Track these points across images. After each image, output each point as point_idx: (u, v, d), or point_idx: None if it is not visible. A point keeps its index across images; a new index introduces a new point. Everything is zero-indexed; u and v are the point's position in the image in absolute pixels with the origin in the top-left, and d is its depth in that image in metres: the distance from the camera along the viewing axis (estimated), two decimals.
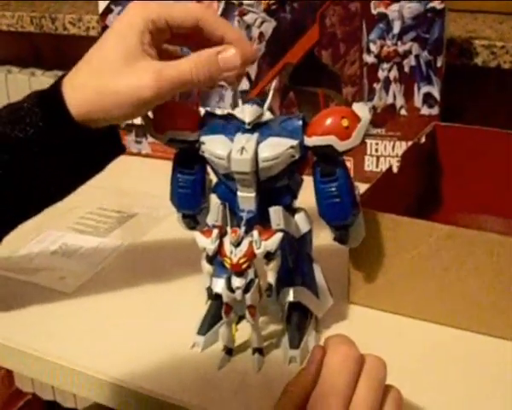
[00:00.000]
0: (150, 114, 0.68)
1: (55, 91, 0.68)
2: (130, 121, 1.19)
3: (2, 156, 0.67)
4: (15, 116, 0.68)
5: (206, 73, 0.65)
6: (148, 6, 0.67)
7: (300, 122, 0.65)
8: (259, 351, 0.69)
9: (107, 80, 0.65)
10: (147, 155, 1.21)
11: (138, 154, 1.21)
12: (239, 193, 0.66)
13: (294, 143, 0.64)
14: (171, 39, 0.69)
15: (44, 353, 0.74)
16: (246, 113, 0.64)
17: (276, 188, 0.66)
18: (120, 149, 0.74)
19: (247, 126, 0.64)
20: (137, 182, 1.12)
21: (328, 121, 0.64)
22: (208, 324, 0.73)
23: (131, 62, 0.65)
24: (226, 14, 1.07)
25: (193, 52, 0.68)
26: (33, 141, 0.67)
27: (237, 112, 0.65)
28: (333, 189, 0.66)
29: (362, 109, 0.64)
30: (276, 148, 0.64)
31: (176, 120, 0.67)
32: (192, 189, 0.71)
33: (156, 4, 0.68)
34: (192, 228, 0.74)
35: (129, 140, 1.20)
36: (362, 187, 0.74)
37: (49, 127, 0.67)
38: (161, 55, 0.67)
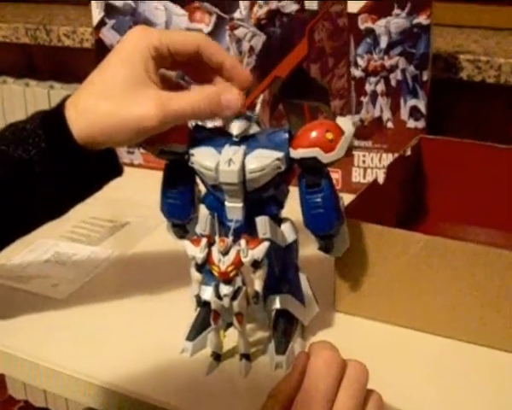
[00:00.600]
0: None
1: (58, 114, 0.68)
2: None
3: (5, 174, 0.68)
4: (19, 137, 0.68)
5: (207, 110, 0.67)
6: (150, 32, 0.69)
7: (286, 135, 0.67)
8: (246, 357, 0.71)
9: (111, 106, 0.66)
10: (139, 166, 1.22)
11: (131, 164, 1.23)
12: (227, 203, 0.68)
13: (280, 155, 0.66)
14: (170, 65, 0.71)
15: (36, 357, 0.75)
16: (233, 127, 0.67)
17: (262, 198, 0.68)
18: (118, 171, 0.75)
19: (235, 139, 0.67)
20: (129, 192, 1.13)
21: (313, 134, 0.66)
22: (197, 330, 0.74)
23: (137, 89, 0.66)
24: (217, 28, 1.10)
25: (190, 77, 0.69)
26: (35, 161, 0.68)
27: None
28: (318, 199, 0.68)
29: (345, 123, 0.66)
30: (262, 160, 0.66)
31: (166, 133, 0.68)
32: (181, 199, 0.73)
33: (157, 31, 0.69)
34: (181, 237, 0.76)
35: (121, 150, 1.22)
36: (349, 198, 0.76)
37: (51, 149, 0.68)
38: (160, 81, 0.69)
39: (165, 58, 0.69)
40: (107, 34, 1.17)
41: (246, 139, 0.67)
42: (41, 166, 0.68)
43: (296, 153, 0.66)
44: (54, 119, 0.69)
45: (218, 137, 0.68)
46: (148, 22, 1.13)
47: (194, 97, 0.67)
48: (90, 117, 0.67)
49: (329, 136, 0.65)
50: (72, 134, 0.67)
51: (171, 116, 0.66)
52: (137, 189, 1.14)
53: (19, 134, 0.69)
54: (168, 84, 0.71)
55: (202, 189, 0.73)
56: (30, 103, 1.58)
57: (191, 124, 0.71)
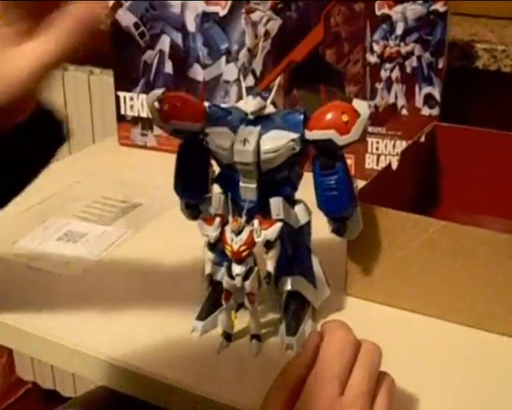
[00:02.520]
0: (157, 104, 0.70)
1: None
2: (136, 114, 1.21)
3: None
4: None
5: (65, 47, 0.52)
6: None
7: (302, 116, 0.67)
8: (257, 337, 0.71)
9: None
10: (152, 148, 1.23)
11: (144, 146, 1.23)
12: (241, 183, 0.68)
13: (295, 136, 0.66)
14: None
15: (48, 334, 0.76)
16: (248, 104, 0.67)
17: (276, 179, 0.68)
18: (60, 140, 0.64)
19: (250, 117, 0.67)
20: (142, 173, 1.14)
21: (329, 116, 0.66)
22: (207, 310, 0.75)
23: None
24: (233, 11, 1.10)
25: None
26: None
27: (240, 104, 0.68)
28: (332, 181, 0.68)
29: (361, 106, 0.66)
30: (277, 140, 0.66)
31: (181, 111, 0.69)
32: (195, 179, 0.73)
33: None
34: (194, 218, 0.76)
35: (135, 132, 1.23)
36: (362, 184, 0.76)
37: None
38: None
39: None
40: (123, 16, 1.17)
41: (261, 120, 0.67)
42: None
43: (311, 134, 0.66)
44: None
45: (233, 117, 0.68)
46: (163, 4, 1.13)
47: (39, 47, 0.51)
48: None
49: (345, 118, 0.65)
50: None
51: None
52: (150, 171, 1.15)
53: None
54: None
55: (216, 169, 0.73)
56: None
57: (206, 104, 0.71)
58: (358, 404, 0.55)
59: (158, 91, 0.70)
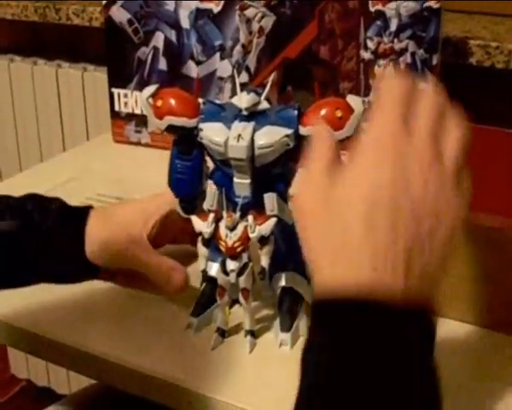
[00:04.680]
0: (151, 100, 0.70)
1: (78, 237, 0.74)
2: (130, 111, 1.21)
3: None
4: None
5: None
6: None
7: (296, 112, 0.67)
8: (252, 333, 0.71)
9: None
10: (146, 145, 1.22)
11: (138, 143, 1.23)
12: (235, 179, 0.68)
13: (289, 132, 0.66)
14: None
15: (38, 329, 0.76)
16: (243, 100, 0.67)
17: (270, 175, 0.68)
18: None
19: (244, 112, 0.67)
20: (136, 170, 1.14)
21: (323, 112, 0.66)
22: (202, 306, 0.75)
23: None
24: (227, 8, 1.10)
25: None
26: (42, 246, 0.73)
27: (235, 100, 0.68)
28: None
29: (355, 101, 0.66)
30: (271, 136, 0.66)
31: (175, 107, 0.69)
32: (189, 175, 0.73)
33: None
34: (189, 213, 0.76)
35: (129, 129, 1.22)
36: None
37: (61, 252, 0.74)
38: None
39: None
40: (117, 13, 1.16)
41: (255, 115, 0.67)
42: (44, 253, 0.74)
43: (305, 130, 0.66)
44: (74, 240, 0.74)
45: (228, 113, 0.68)
46: (157, 1, 1.13)
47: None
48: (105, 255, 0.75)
49: (339, 113, 0.65)
50: (86, 254, 0.74)
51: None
52: (144, 167, 1.15)
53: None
54: None
55: (210, 165, 0.73)
56: (37, 82, 1.58)
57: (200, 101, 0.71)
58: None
59: (152, 87, 0.70)
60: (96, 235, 0.74)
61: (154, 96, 0.70)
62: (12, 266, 0.74)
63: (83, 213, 0.76)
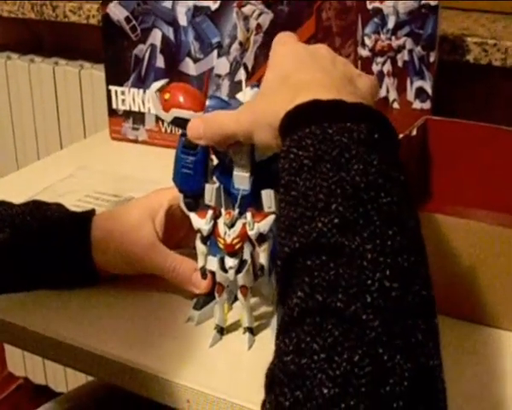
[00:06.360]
0: (158, 93, 0.72)
1: (83, 245, 0.76)
2: (127, 108, 1.21)
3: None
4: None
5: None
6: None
7: None
8: (250, 330, 0.71)
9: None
10: (144, 142, 1.22)
11: (135, 141, 1.23)
12: (235, 172, 0.68)
13: None
14: None
15: (35, 326, 0.76)
16: (246, 95, 0.68)
17: (269, 171, 0.68)
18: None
19: None
20: (134, 168, 1.14)
21: None
22: (204, 300, 0.75)
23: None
24: (224, 5, 1.10)
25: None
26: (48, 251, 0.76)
27: (239, 95, 0.68)
28: None
29: None
30: None
31: (182, 100, 0.70)
32: (194, 169, 0.73)
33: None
34: (192, 210, 0.75)
35: (126, 127, 1.22)
36: None
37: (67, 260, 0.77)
38: None
39: None
40: (115, 10, 1.16)
41: None
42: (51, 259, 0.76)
43: None
44: (80, 250, 0.77)
45: (232, 108, 0.68)
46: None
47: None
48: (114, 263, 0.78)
49: None
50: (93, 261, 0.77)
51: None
52: (142, 165, 1.15)
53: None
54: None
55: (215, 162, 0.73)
56: (34, 79, 1.58)
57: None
58: None
59: (161, 81, 0.72)
60: (105, 245, 0.75)
61: (162, 89, 0.72)
62: (11, 275, 0.75)
63: (85, 220, 0.76)
